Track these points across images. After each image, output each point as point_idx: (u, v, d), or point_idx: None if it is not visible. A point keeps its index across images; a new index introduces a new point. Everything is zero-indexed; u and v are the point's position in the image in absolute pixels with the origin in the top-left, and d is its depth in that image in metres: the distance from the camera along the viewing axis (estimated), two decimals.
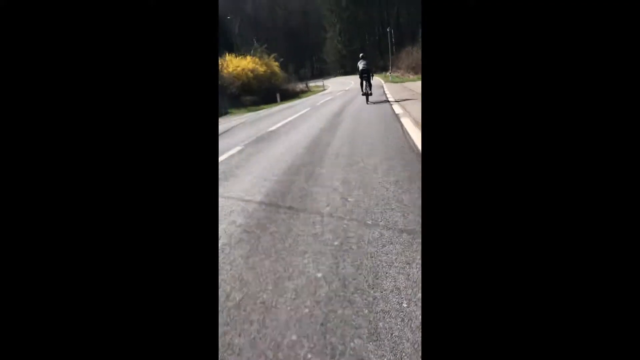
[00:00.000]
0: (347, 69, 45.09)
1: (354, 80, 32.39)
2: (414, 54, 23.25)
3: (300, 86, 26.26)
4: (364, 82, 7.92)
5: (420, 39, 22.55)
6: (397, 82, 18.44)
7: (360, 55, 8.52)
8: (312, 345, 1.03)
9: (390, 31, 29.29)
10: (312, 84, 30.79)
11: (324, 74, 46.89)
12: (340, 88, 21.88)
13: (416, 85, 11.29)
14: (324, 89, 25.07)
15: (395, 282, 1.29)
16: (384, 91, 11.73)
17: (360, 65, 8.15)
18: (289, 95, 19.82)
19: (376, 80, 15.44)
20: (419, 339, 0.99)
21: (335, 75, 43.56)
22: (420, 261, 1.35)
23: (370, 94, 8.05)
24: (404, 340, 1.02)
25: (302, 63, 60.40)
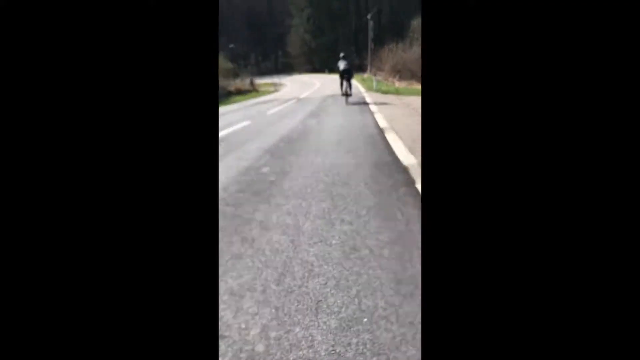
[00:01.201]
0: (316, 65, 35.98)
1: (320, 81, 24.95)
2: (398, 52, 18.71)
3: (244, 84, 21.30)
4: (345, 83, 8.74)
5: (409, 35, 19.57)
6: (387, 93, 11.77)
7: (341, 55, 9.15)
8: None
9: (370, 22, 20.37)
10: (266, 80, 26.49)
11: (288, 69, 37.63)
12: (296, 93, 16.00)
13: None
14: (275, 91, 20.12)
15: None
16: (373, 119, 6.25)
17: (341, 65, 8.74)
18: None
19: (355, 87, 12.57)
20: None
21: (301, 72, 34.59)
22: None
23: (350, 95, 8.97)
24: None
25: (267, 55, 50.45)
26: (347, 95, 8.72)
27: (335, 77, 10.76)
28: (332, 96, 11.82)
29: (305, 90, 16.27)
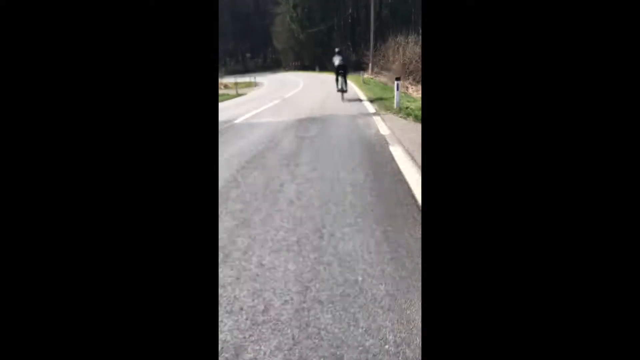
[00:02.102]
0: (305, 62, 29.59)
1: (305, 80, 20.54)
2: (409, 46, 14.14)
3: None
4: (340, 79, 9.18)
5: (418, 25, 17.32)
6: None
7: (336, 50, 9.48)
8: None
9: (374, 8, 13.75)
10: (245, 79, 21.70)
11: (277, 66, 31.52)
12: (249, 106, 9.71)
13: None
14: (238, 95, 14.27)
15: None
16: None
17: (337, 61, 8.99)
18: None
19: (354, 98, 9.52)
20: None
21: (288, 69, 28.32)
22: None
23: (346, 91, 9.28)
24: None
25: (256, 51, 44.45)
26: (342, 91, 9.25)
27: (325, 77, 11.00)
28: (309, 123, 5.45)
29: (272, 98, 11.79)
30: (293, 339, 1.25)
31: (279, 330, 1.29)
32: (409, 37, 15.49)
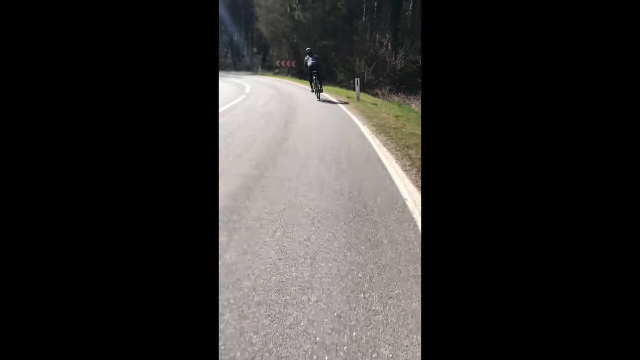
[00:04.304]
0: (303, 63, 14.10)
1: (254, 88, 14.75)
2: None
3: None
4: (315, 79, 9.80)
5: None
6: None
7: (307, 49, 10.37)
8: None
9: None
10: None
11: (270, 66, 18.56)
12: None
13: None
14: None
15: None
16: None
17: (309, 61, 9.60)
18: None
19: None
20: None
21: (279, 73, 14.02)
22: None
23: (321, 90, 9.94)
24: None
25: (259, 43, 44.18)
26: (318, 91, 9.91)
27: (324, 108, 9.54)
28: None
29: None
30: None
31: None
32: None
